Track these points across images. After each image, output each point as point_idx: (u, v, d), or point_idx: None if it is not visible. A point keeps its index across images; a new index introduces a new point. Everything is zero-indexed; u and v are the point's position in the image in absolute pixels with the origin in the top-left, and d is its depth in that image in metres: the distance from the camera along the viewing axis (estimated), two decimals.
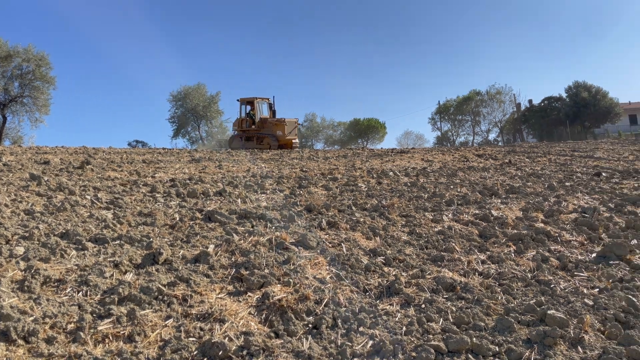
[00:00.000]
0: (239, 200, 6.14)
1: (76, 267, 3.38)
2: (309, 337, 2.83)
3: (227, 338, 2.69)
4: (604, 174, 10.05)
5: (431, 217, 5.74)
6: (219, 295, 3.21)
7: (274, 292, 3.24)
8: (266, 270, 3.59)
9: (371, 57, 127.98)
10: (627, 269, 4.24)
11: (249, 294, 3.28)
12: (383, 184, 8.34)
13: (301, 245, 4.26)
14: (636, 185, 8.49)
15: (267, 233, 4.53)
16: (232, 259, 3.80)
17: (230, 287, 3.36)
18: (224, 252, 3.90)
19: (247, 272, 3.50)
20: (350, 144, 52.24)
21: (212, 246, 4.02)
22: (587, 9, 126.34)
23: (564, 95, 43.37)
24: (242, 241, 4.16)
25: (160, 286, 3.12)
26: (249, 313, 3.05)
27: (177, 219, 4.96)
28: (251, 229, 4.67)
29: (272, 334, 2.83)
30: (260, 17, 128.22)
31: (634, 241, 4.96)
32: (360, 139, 56.27)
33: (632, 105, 52.65)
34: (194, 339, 2.69)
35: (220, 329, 2.80)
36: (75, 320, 2.67)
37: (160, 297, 3.06)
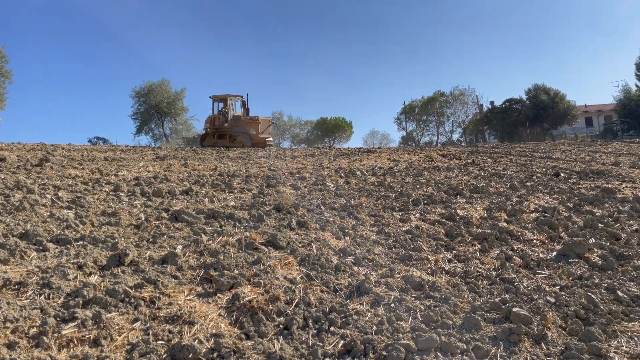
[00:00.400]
0: (206, 200, 6.06)
1: (37, 269, 3.25)
2: (280, 337, 2.82)
3: (196, 340, 2.65)
4: (562, 174, 10.43)
5: (399, 217, 5.82)
6: (188, 297, 3.16)
7: (244, 292, 3.21)
8: (236, 271, 3.55)
9: (338, 57, 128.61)
10: (586, 267, 4.41)
11: (219, 295, 3.24)
12: (351, 184, 8.39)
13: (271, 246, 4.24)
14: (592, 185, 8.84)
15: (236, 233, 4.49)
16: (201, 259, 3.74)
17: (199, 289, 3.31)
18: (192, 252, 3.84)
19: (217, 273, 3.46)
20: (317, 143, 52.34)
21: (179, 247, 3.94)
22: (548, 14, 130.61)
23: (524, 97, 44.73)
24: (210, 241, 4.10)
25: (126, 288, 3.04)
26: (219, 314, 3.01)
27: (143, 218, 4.85)
28: (220, 229, 4.62)
29: (243, 336, 2.81)
30: (227, 15, 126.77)
31: (592, 240, 5.17)
32: (327, 138, 56.47)
33: (588, 108, 54.84)
34: (162, 342, 2.64)
35: (190, 331, 2.76)
36: (37, 324, 2.57)
37: (126, 299, 2.98)
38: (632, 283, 4.04)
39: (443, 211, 6.22)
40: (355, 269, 3.99)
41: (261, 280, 3.44)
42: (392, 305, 3.36)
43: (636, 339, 3.08)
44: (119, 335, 2.63)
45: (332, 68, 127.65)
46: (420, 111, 53.61)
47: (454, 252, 4.68)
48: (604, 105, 53.90)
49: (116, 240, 4.00)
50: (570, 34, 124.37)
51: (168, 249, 3.91)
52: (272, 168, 10.22)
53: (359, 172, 9.86)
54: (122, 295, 2.98)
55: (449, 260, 4.41)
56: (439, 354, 2.72)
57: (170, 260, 3.62)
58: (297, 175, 9.03)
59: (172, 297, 3.11)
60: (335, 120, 56.13)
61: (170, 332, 2.74)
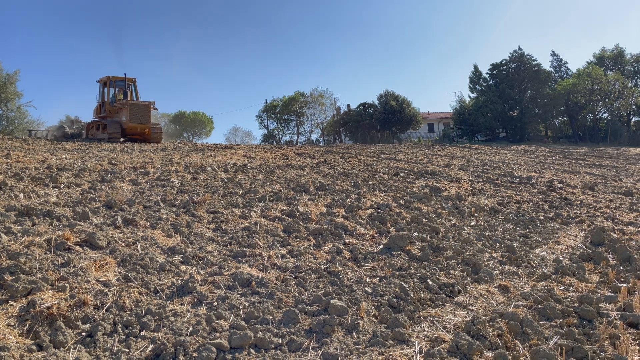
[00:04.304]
0: (21, 195, 5.34)
1: None
2: (80, 346, 2.55)
3: None
4: (401, 174, 11.33)
5: (239, 213, 5.74)
6: None
7: (42, 299, 2.85)
8: (38, 275, 3.15)
9: (200, 50, 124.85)
10: (406, 258, 4.79)
11: (11, 302, 2.84)
12: (198, 180, 8.12)
13: (88, 245, 3.86)
14: (424, 184, 9.74)
15: (48, 232, 4.01)
16: None
17: None
18: None
19: (12, 277, 3.03)
20: (175, 138, 50.10)
21: None
22: (401, 24, 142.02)
23: (377, 102, 47.92)
24: (12, 242, 3.60)
25: None
26: (8, 325, 2.63)
27: None
28: (30, 228, 4.09)
29: (35, 347, 2.48)
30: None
31: (415, 233, 5.65)
32: (185, 133, 54.37)
33: (431, 115, 60.73)
34: None
35: None
36: None
37: None
38: (442, 272, 4.49)
39: (285, 208, 6.31)
40: (183, 268, 3.82)
41: (68, 284, 3.10)
42: (215, 303, 3.27)
43: (437, 323, 3.41)
44: None
45: (193, 61, 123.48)
46: (282, 110, 54.29)
47: (289, 247, 4.74)
48: (444, 113, 60.16)
49: None
50: (420, 45, 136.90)
51: None
52: (113, 162, 9.45)
53: (209, 169, 9.60)
54: None
55: (282, 256, 4.46)
56: (252, 350, 2.69)
57: None
58: (140, 170, 8.46)
59: None
60: (194, 114, 54.26)
61: None
